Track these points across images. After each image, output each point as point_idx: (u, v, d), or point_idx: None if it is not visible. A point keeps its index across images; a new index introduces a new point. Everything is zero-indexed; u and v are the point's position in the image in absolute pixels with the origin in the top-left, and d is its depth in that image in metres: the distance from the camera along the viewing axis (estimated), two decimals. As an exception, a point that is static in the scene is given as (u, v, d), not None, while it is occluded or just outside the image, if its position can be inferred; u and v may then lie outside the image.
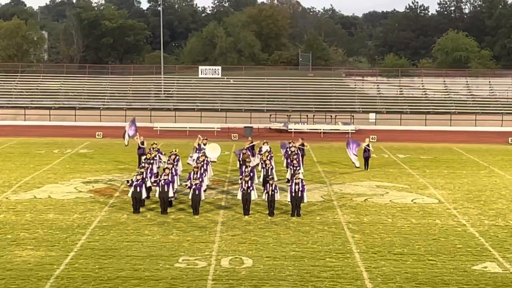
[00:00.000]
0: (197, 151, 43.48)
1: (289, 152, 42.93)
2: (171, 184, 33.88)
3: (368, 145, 47.95)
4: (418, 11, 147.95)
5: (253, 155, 44.00)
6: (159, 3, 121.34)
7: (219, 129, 71.18)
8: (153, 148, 41.79)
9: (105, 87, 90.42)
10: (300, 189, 33.21)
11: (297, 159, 40.84)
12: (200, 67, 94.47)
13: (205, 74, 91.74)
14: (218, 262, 26.06)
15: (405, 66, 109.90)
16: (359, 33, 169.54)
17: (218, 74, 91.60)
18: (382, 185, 42.03)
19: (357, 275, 24.98)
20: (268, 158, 39.96)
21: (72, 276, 24.45)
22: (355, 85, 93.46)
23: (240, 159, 42.11)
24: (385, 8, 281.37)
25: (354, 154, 46.82)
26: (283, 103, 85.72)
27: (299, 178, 33.78)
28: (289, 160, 41.49)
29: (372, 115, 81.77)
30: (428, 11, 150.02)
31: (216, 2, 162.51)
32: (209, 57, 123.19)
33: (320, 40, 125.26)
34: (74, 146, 58.77)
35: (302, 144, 45.88)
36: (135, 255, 26.88)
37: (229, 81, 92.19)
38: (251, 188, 33.55)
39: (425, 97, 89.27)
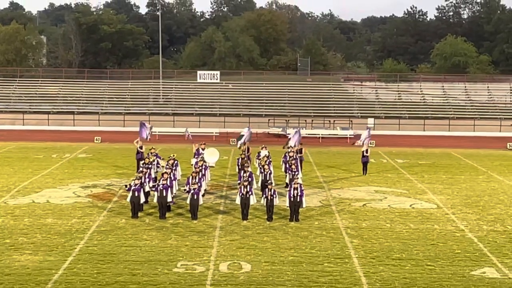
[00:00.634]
0: (196, 156, 43.50)
1: (288, 157, 42.93)
2: (169, 189, 33.87)
3: (366, 150, 47.95)
4: (417, 16, 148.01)
5: (251, 160, 44.07)
6: (157, 7, 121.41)
7: (218, 134, 71.20)
8: (151, 153, 41.78)
9: (103, 92, 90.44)
10: (299, 194, 33.22)
11: (296, 164, 40.82)
12: (199, 72, 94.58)
13: (204, 79, 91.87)
14: (216, 267, 26.04)
15: (403, 71, 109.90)
16: (358, 38, 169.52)
17: (216, 79, 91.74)
18: (380, 190, 42.04)
19: (355, 280, 24.97)
20: (267, 163, 39.94)
21: (70, 281, 24.41)
22: (354, 90, 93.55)
23: (239, 163, 42.18)
24: (384, 13, 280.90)
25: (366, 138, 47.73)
26: (282, 108, 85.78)
27: (297, 183, 33.80)
28: (287, 165, 41.48)
29: (370, 120, 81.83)
30: (427, 16, 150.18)
31: (214, 7, 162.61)
32: (208, 62, 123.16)
33: (318, 45, 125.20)
34: (72, 150, 58.75)
35: (301, 150, 45.86)
36: (134, 260, 26.86)
37: (228, 86, 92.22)
38: (250, 193, 33.55)
39: (424, 102, 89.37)
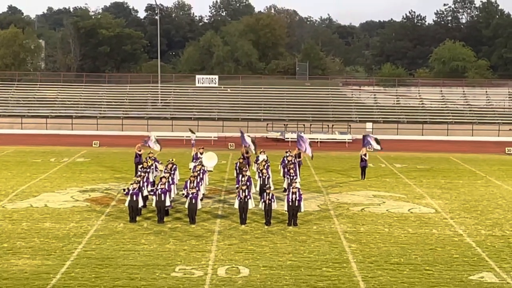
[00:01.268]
0: (194, 160, 43.49)
1: (286, 162, 42.92)
2: (167, 193, 33.85)
3: (364, 154, 47.95)
4: (415, 20, 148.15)
5: (249, 164, 44.08)
6: (156, 12, 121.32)
7: (216, 138, 71.20)
8: (149, 157, 41.78)
9: (102, 96, 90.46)
10: (297, 198, 33.21)
11: (294, 169, 40.81)
12: (197, 76, 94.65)
13: (202, 83, 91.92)
14: (214, 272, 26.02)
15: (402, 75, 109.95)
16: (356, 43, 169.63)
17: (215, 83, 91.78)
18: (379, 195, 42.03)
19: (353, 285, 24.94)
20: (265, 167, 39.94)
21: (68, 285, 24.38)
22: (352, 94, 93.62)
23: (237, 167, 42.18)
24: (382, 17, 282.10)
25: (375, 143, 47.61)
26: (280, 112, 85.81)
27: (296, 188, 33.80)
28: (286, 170, 41.48)
29: (369, 125, 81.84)
30: (425, 21, 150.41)
31: (213, 11, 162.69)
32: (206, 66, 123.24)
33: (317, 49, 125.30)
34: (71, 154, 58.73)
35: (299, 154, 45.82)
36: (132, 264, 26.83)
37: (226, 90, 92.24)
38: (248, 197, 33.53)
39: (422, 106, 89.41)
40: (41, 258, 27.41)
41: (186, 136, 69.46)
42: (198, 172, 38.31)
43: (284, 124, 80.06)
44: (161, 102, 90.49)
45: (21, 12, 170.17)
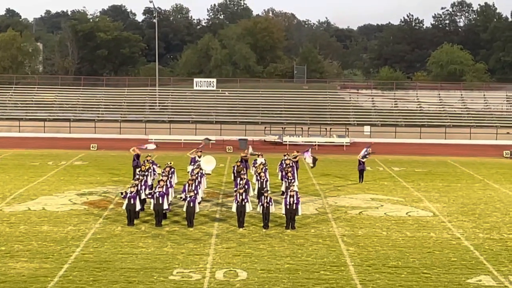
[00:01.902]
0: (192, 164, 43.49)
1: (284, 165, 42.92)
2: (165, 196, 33.85)
3: (363, 157, 47.95)
4: (413, 24, 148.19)
5: (247, 168, 44.07)
6: (154, 15, 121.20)
7: (214, 141, 71.18)
8: (147, 160, 41.77)
9: (100, 99, 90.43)
10: (295, 201, 33.20)
11: (292, 172, 40.82)
12: (195, 79, 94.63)
13: (200, 86, 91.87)
14: (212, 275, 26.01)
15: (400, 79, 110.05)
16: (354, 46, 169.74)
17: (213, 87, 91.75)
18: (376, 198, 42.04)
19: (351, 288, 25.00)
20: (263, 170, 39.95)
21: (66, 289, 24.42)
22: (350, 97, 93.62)
23: (235, 170, 42.19)
24: (380, 21, 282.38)
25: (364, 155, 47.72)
26: (278, 115, 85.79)
27: (293, 191, 33.79)
28: (283, 173, 41.48)
29: (367, 128, 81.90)
30: (423, 24, 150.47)
31: (211, 14, 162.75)
32: (204, 69, 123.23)
33: (315, 52, 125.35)
34: (68, 158, 58.71)
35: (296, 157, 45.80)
36: (129, 267, 26.82)
37: (224, 93, 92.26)
38: (245, 201, 33.53)
39: (420, 110, 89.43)
40: (39, 261, 27.39)
41: (184, 140, 69.57)
42: (196, 175, 38.32)
43: (282, 128, 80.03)
44: (159, 106, 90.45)
45: (19, 15, 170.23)
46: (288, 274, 26.23)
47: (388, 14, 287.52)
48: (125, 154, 53.90)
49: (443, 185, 47.68)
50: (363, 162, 47.87)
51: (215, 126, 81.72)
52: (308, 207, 38.47)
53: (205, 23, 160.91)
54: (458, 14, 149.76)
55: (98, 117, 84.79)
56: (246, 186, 35.94)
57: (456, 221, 36.16)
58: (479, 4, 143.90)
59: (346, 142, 72.21)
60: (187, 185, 35.54)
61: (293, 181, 39.44)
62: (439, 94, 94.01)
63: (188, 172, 42.17)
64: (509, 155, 65.14)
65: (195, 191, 34.87)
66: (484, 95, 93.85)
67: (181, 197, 35.50)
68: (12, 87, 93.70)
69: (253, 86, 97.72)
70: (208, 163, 42.63)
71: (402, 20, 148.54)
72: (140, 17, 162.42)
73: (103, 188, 43.84)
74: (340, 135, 76.50)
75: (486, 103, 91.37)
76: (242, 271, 26.58)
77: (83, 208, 37.82)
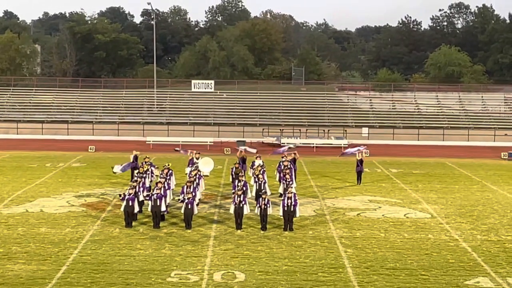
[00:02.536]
0: (190, 165, 43.48)
1: (282, 167, 42.89)
2: (163, 198, 33.84)
3: (360, 160, 47.95)
4: (411, 26, 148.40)
5: (245, 169, 44.05)
6: (152, 17, 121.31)
7: (212, 143, 71.18)
8: (145, 162, 41.74)
9: (97, 101, 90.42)
10: (293, 203, 33.18)
11: (290, 173, 40.80)
12: (193, 81, 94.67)
13: (198, 88, 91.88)
14: (210, 277, 26.00)
15: (398, 80, 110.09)
16: (352, 48, 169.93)
17: (211, 88, 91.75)
18: (374, 200, 42.04)
19: (349, 290, 24.99)
20: (261, 172, 39.91)
21: (63, 291, 24.41)
22: (348, 99, 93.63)
23: (233, 172, 42.17)
24: (378, 22, 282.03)
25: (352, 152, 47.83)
26: (276, 117, 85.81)
27: (291, 192, 33.77)
28: (281, 174, 41.46)
29: (365, 130, 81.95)
30: (421, 26, 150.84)
31: (209, 16, 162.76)
32: (202, 71, 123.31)
33: (313, 54, 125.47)
34: (66, 160, 58.68)
35: (294, 159, 45.76)
36: (127, 269, 26.80)
37: (222, 95, 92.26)
38: (243, 202, 33.51)
39: (418, 111, 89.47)
40: (36, 263, 27.37)
41: (182, 142, 69.58)
42: (194, 177, 38.30)
43: (280, 129, 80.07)
44: (157, 107, 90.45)
45: (17, 17, 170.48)
46: (286, 276, 26.23)
47: (386, 16, 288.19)
48: (123, 156, 53.80)
49: (441, 186, 47.68)
50: (361, 164, 47.83)
51: (213, 128, 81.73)
52: (306, 208, 38.46)
53: (203, 25, 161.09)
54: (456, 16, 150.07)
55: (96, 119, 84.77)
56: (244, 188, 35.92)
57: (454, 222, 36.16)
58: (477, 6, 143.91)
59: (344, 144, 72.19)
60: (185, 187, 35.53)
61: (291, 183, 39.43)
62: (437, 96, 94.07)
63: (186, 174, 42.15)
64: (507, 157, 65.16)
65: (193, 193, 34.86)
66: (482, 96, 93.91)
67: (179, 199, 35.46)
68: (10, 89, 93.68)
69: (251, 88, 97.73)
70: (206, 164, 42.58)
71: (400, 22, 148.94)
72: (138, 19, 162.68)
73: (101, 190, 43.81)
74: (338, 137, 76.52)
75: (484, 104, 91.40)
76: (240, 273, 26.57)
77: (81, 210, 37.79)
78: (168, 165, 41.15)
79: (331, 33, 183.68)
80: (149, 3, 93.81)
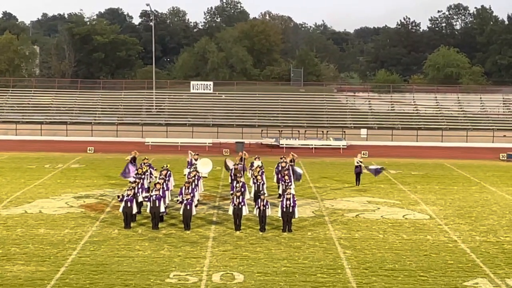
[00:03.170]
0: (189, 166, 43.46)
1: (280, 168, 42.87)
2: (162, 199, 33.83)
3: (360, 160, 47.94)
4: (410, 27, 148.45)
5: (244, 170, 43.99)
6: (151, 18, 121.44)
7: (211, 144, 71.20)
8: (144, 163, 41.71)
9: (96, 102, 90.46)
10: (291, 204, 33.19)
11: (288, 175, 40.76)
12: (192, 82, 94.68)
13: (197, 89, 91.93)
14: (209, 278, 25.99)
15: (396, 82, 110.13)
16: (351, 49, 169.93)
17: (209, 90, 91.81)
18: (373, 201, 42.03)
19: (348, 291, 24.99)
20: (260, 173, 39.89)
21: (62, 292, 24.40)
22: (347, 100, 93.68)
23: (232, 174, 42.12)
24: (377, 24, 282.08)
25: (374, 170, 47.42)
26: (275, 118, 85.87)
27: (290, 194, 33.77)
28: (280, 176, 41.44)
29: (363, 131, 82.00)
30: (420, 27, 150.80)
31: (208, 17, 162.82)
32: (201, 72, 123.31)
33: (311, 55, 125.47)
34: (65, 161, 58.67)
35: (292, 160, 45.69)
36: (126, 270, 26.79)
37: (221, 96, 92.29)
38: (242, 204, 33.51)
39: (417, 113, 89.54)
40: (35, 264, 27.36)
41: (181, 143, 69.55)
42: (193, 178, 38.28)
43: (279, 130, 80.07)
44: (155, 108, 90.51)
45: (16, 18, 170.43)
46: (285, 277, 26.22)
47: (384, 17, 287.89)
48: (122, 157, 53.75)
49: (439, 187, 47.70)
50: (360, 165, 47.82)
51: (212, 129, 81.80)
52: (305, 210, 38.46)
53: (201, 26, 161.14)
54: (454, 17, 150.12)
55: (95, 120, 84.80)
56: (243, 189, 35.92)
57: (452, 224, 36.17)
58: (475, 7, 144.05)
59: (342, 145, 72.28)
60: (183, 188, 35.52)
61: (289, 184, 39.40)
62: (436, 97, 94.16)
63: (185, 175, 42.14)
64: (505, 158, 65.20)
65: (192, 194, 34.85)
66: (480, 98, 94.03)
67: (177, 200, 35.47)
68: (9, 90, 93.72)
69: (249, 89, 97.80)
70: (204, 165, 42.58)
71: (399, 23, 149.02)
72: (137, 20, 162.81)
73: (100, 191, 43.81)
74: (336, 138, 76.54)
75: (482, 106, 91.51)
76: (239, 274, 26.56)
77: (80, 211, 37.78)
78: (167, 166, 41.14)
79: (330, 34, 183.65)
80: (148, 4, 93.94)
